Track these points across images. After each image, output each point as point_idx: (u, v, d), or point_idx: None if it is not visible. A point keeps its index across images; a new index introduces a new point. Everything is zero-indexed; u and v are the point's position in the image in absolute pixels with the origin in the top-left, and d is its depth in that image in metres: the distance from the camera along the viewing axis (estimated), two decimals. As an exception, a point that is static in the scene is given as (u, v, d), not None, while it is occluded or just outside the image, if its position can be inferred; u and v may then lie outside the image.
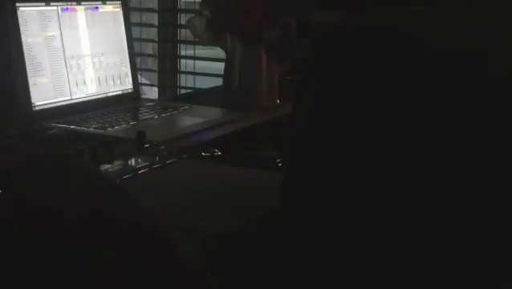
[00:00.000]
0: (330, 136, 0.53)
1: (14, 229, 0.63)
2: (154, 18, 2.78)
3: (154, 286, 0.59)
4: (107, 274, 0.60)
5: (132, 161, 1.04)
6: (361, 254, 0.51)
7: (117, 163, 1.02)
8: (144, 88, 2.53)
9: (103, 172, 0.97)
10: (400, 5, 0.54)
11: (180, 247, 0.62)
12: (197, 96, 1.91)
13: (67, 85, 1.48)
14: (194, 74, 2.77)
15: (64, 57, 1.48)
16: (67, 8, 1.50)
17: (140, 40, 2.75)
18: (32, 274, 0.64)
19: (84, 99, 1.52)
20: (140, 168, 1.00)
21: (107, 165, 1.00)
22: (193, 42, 2.65)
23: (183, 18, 2.69)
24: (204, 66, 2.82)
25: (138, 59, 2.45)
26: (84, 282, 0.63)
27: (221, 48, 1.72)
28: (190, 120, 1.50)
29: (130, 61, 1.66)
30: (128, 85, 1.65)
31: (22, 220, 0.62)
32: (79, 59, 1.52)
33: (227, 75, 1.71)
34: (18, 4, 1.38)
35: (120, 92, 1.63)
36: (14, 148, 0.70)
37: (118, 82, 1.62)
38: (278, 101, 1.70)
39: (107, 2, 1.61)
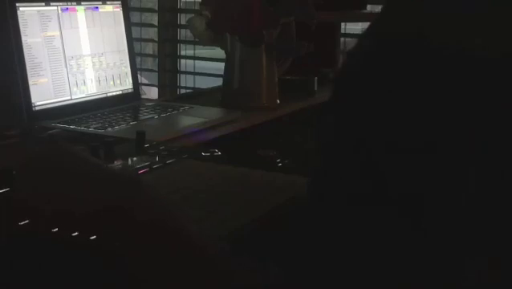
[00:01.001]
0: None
1: (17, 228, 0.63)
2: (154, 18, 2.78)
3: (167, 281, 0.59)
4: (118, 272, 0.60)
5: (132, 161, 1.04)
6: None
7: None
8: (144, 88, 2.53)
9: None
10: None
11: (195, 238, 0.62)
12: (197, 96, 1.91)
13: (67, 85, 1.48)
14: (194, 74, 2.78)
15: (64, 57, 1.48)
16: (67, 8, 1.50)
17: (140, 40, 2.75)
18: (36, 273, 0.64)
19: (84, 99, 1.52)
20: (140, 168, 1.00)
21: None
22: (193, 42, 2.65)
23: (183, 18, 2.69)
24: (204, 66, 2.82)
25: (138, 59, 2.45)
26: (94, 279, 0.63)
27: (221, 48, 1.72)
28: (190, 120, 1.50)
29: (130, 61, 1.66)
30: (128, 85, 1.65)
31: (26, 218, 0.62)
32: (79, 59, 1.52)
33: (227, 75, 1.71)
34: (18, 4, 1.38)
35: (120, 92, 1.63)
36: (17, 147, 0.71)
37: (118, 82, 1.62)
38: (278, 101, 1.70)
39: (107, 2, 1.61)
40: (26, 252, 0.64)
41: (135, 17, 2.69)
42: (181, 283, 0.59)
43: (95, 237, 0.60)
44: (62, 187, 0.62)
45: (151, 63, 2.93)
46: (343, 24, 2.30)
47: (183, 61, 2.80)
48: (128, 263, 0.60)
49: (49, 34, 1.45)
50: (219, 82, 1.79)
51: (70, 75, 1.49)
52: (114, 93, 1.61)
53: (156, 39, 2.76)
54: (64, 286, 0.64)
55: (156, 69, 2.78)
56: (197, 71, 2.80)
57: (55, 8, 1.47)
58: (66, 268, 0.63)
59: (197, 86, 2.71)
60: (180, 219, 0.64)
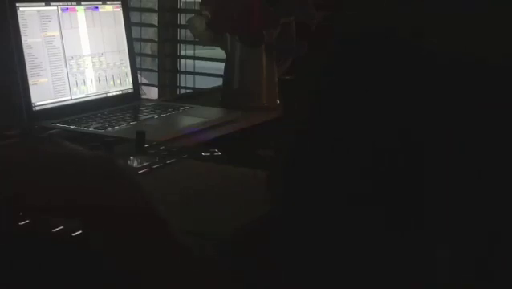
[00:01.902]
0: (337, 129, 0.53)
1: (17, 227, 0.63)
2: (154, 18, 2.78)
3: (150, 267, 0.59)
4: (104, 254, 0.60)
5: (132, 161, 1.04)
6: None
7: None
8: (144, 88, 2.53)
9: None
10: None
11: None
12: (197, 96, 1.91)
13: (67, 85, 1.48)
14: (194, 74, 2.77)
15: (64, 57, 1.48)
16: (67, 8, 1.50)
17: (140, 40, 2.75)
18: (36, 272, 0.64)
19: (84, 99, 1.52)
20: (140, 168, 1.00)
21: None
22: (193, 42, 2.65)
23: (183, 18, 2.69)
24: (204, 66, 2.82)
25: (138, 59, 2.45)
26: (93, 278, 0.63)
27: (221, 48, 1.72)
28: (190, 120, 1.50)
29: (130, 61, 1.66)
30: (128, 85, 1.65)
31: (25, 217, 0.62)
32: (79, 59, 1.52)
33: (227, 75, 1.71)
34: (18, 4, 1.38)
35: (120, 92, 1.63)
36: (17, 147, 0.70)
37: (118, 82, 1.62)
38: (278, 101, 1.70)
39: (107, 2, 1.61)
40: (26, 251, 0.64)
41: (135, 17, 2.69)
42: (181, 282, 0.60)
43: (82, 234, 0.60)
44: (56, 184, 0.62)
45: (151, 63, 2.92)
46: (343, 24, 2.30)
47: (183, 61, 2.80)
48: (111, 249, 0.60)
49: (49, 34, 1.45)
50: (219, 82, 1.79)
51: (70, 75, 1.49)
52: (114, 93, 1.61)
53: (156, 39, 2.76)
54: (63, 286, 0.64)
55: (156, 69, 2.78)
56: (197, 71, 2.80)
57: (55, 8, 1.47)
58: (65, 267, 0.63)
59: (197, 86, 2.71)
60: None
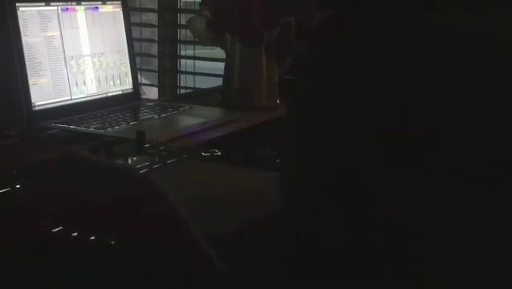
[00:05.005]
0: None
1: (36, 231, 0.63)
2: (154, 18, 2.78)
3: (172, 275, 0.59)
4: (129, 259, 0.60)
5: (132, 161, 1.04)
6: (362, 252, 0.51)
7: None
8: (144, 88, 2.53)
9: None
10: None
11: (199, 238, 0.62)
12: (197, 96, 1.91)
13: (67, 85, 1.48)
14: (194, 74, 2.77)
15: (64, 57, 1.48)
16: (67, 8, 1.50)
17: (140, 40, 2.75)
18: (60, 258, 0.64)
19: (84, 99, 1.52)
20: (140, 169, 1.00)
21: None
22: (193, 42, 2.65)
23: (183, 18, 2.69)
24: (204, 66, 2.82)
25: (138, 59, 2.45)
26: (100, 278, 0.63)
27: (221, 48, 1.72)
28: (190, 120, 1.50)
29: (130, 61, 1.66)
30: (128, 85, 1.65)
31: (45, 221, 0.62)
32: (79, 59, 1.52)
33: (227, 75, 1.71)
34: (18, 4, 1.38)
35: (120, 92, 1.63)
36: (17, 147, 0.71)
37: (118, 82, 1.62)
38: (278, 101, 1.70)
39: (107, 2, 1.61)
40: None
41: (135, 17, 2.69)
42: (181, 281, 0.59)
43: (104, 235, 0.60)
44: (78, 187, 0.63)
45: (151, 63, 2.92)
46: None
47: (183, 61, 2.80)
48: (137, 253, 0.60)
49: (49, 34, 1.45)
50: (219, 82, 1.79)
51: (70, 75, 1.49)
52: (114, 93, 1.61)
53: (156, 39, 2.76)
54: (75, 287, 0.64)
55: (156, 69, 2.78)
56: (197, 71, 2.80)
57: (55, 8, 1.47)
58: (77, 268, 0.63)
59: (197, 86, 2.71)
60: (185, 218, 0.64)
